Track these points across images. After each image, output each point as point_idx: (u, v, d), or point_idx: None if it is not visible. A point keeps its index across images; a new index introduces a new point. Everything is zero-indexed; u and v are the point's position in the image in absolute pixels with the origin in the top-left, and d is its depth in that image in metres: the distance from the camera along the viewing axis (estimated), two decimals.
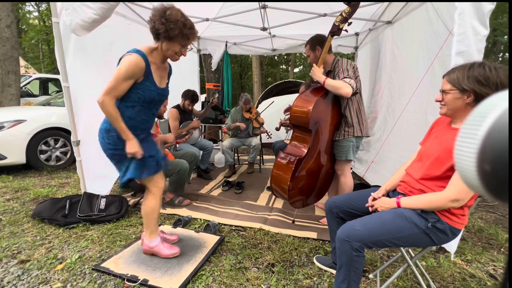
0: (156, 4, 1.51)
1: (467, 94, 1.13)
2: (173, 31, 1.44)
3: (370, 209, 1.36)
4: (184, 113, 3.34)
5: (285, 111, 3.28)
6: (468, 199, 1.11)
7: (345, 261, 1.20)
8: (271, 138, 3.78)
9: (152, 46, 1.53)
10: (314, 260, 1.80)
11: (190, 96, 3.31)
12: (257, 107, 5.85)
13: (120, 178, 1.66)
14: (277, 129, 3.39)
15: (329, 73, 2.11)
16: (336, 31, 1.93)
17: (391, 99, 2.92)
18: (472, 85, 1.11)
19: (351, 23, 1.94)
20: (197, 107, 4.19)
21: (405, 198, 1.26)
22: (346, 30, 1.97)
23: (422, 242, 1.21)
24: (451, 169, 1.14)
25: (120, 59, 1.49)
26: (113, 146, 1.56)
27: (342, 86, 1.88)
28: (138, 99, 1.53)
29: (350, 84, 1.88)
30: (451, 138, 1.20)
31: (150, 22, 1.46)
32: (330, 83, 1.92)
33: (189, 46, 1.58)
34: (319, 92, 2.00)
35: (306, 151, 2.02)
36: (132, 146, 1.53)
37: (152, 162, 1.69)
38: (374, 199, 1.39)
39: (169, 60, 1.66)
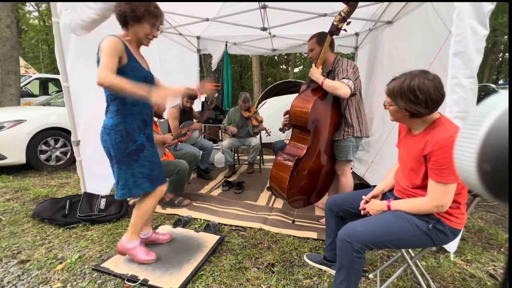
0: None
1: (403, 110, 1.16)
2: (140, 9, 1.44)
3: (362, 212, 1.37)
4: (184, 113, 3.34)
5: (285, 113, 3.26)
6: (450, 201, 1.12)
7: (346, 262, 1.20)
8: (269, 135, 3.77)
9: (123, 34, 1.52)
10: (305, 258, 1.80)
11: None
12: (257, 107, 5.85)
13: (119, 189, 1.57)
14: (281, 129, 3.40)
15: (330, 72, 2.11)
16: (335, 30, 1.92)
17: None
18: (404, 104, 1.14)
19: (349, 22, 1.93)
20: (197, 107, 4.18)
21: (395, 202, 1.28)
22: (345, 30, 1.97)
23: (423, 243, 1.21)
24: (426, 177, 1.17)
25: (98, 48, 1.46)
26: (123, 142, 1.51)
27: (340, 87, 1.88)
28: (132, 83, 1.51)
29: (348, 85, 1.88)
30: (413, 146, 1.23)
31: (116, 10, 1.47)
32: (328, 84, 1.92)
33: (159, 28, 1.56)
34: (318, 92, 2.00)
35: (305, 151, 2.02)
36: (157, 94, 1.40)
37: (160, 168, 1.68)
38: (366, 202, 1.40)
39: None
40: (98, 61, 1.46)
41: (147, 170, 1.60)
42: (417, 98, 1.10)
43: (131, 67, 1.50)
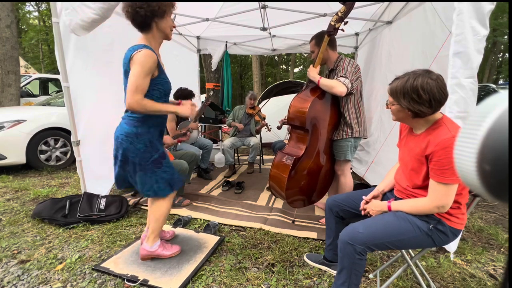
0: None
1: (406, 109, 1.16)
2: (164, 5, 1.44)
3: (362, 212, 1.37)
4: None
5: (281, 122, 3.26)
6: (451, 201, 1.12)
7: (347, 264, 1.20)
8: (270, 131, 3.79)
9: (146, 37, 1.49)
10: (305, 258, 1.81)
11: (187, 94, 3.25)
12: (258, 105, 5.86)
13: (144, 191, 1.59)
14: (279, 128, 3.40)
15: (332, 71, 2.11)
16: (332, 30, 1.93)
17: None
18: (407, 103, 1.13)
19: (347, 22, 1.94)
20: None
21: (395, 202, 1.28)
22: (342, 30, 1.97)
23: (423, 243, 1.21)
24: (427, 178, 1.17)
25: (129, 59, 1.41)
26: (147, 151, 1.53)
27: (335, 85, 1.88)
28: (159, 95, 1.53)
29: (345, 84, 1.88)
30: (415, 146, 1.22)
31: (138, 11, 1.39)
32: (324, 83, 1.93)
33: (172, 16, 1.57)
34: (316, 92, 2.01)
35: (303, 150, 2.01)
36: (185, 107, 1.52)
37: (176, 172, 1.71)
38: (367, 202, 1.39)
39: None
40: (125, 71, 1.45)
41: (168, 176, 1.64)
42: (421, 97, 1.09)
43: (160, 81, 1.51)
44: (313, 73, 2.01)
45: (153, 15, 1.42)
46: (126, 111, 1.54)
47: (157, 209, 1.69)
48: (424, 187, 1.19)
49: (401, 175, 1.34)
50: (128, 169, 1.57)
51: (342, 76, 1.92)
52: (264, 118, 3.90)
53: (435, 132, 1.14)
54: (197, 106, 1.56)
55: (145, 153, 1.53)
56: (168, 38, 1.57)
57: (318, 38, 2.09)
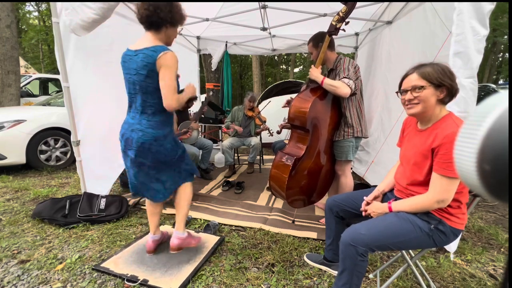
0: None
1: (441, 89, 1.16)
2: (178, 15, 1.53)
3: (363, 213, 1.37)
4: (180, 113, 3.32)
5: (287, 103, 3.19)
6: (451, 197, 1.12)
7: (349, 265, 1.19)
8: (272, 135, 3.78)
9: (154, 36, 1.52)
10: (305, 258, 1.81)
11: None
12: (257, 106, 5.84)
13: (167, 188, 1.70)
14: (279, 132, 3.40)
15: (331, 71, 2.11)
16: (333, 30, 1.93)
17: (386, 99, 2.93)
18: (448, 79, 1.15)
19: (348, 22, 1.94)
20: (196, 107, 4.17)
21: (395, 202, 1.27)
22: (343, 30, 1.97)
23: (424, 244, 1.21)
24: (429, 173, 1.17)
25: (155, 60, 1.43)
26: (174, 148, 1.64)
27: (340, 86, 1.88)
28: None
29: (349, 85, 1.88)
30: (419, 142, 1.22)
31: (159, 13, 1.44)
32: (329, 83, 1.93)
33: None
34: (317, 92, 2.00)
35: (304, 150, 2.01)
36: (192, 89, 1.67)
37: (193, 163, 1.84)
38: (368, 203, 1.39)
39: None
40: (149, 71, 1.45)
41: (189, 166, 1.78)
42: (453, 75, 1.15)
43: (177, 82, 1.59)
44: (316, 73, 2.00)
45: (168, 20, 1.50)
46: (142, 116, 1.53)
47: (183, 195, 1.78)
48: (425, 183, 1.18)
49: (401, 173, 1.34)
50: (154, 171, 1.64)
51: (345, 77, 1.92)
52: (264, 122, 3.87)
53: (443, 125, 1.16)
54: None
55: (172, 151, 1.64)
56: (169, 44, 1.64)
57: (315, 40, 2.10)
